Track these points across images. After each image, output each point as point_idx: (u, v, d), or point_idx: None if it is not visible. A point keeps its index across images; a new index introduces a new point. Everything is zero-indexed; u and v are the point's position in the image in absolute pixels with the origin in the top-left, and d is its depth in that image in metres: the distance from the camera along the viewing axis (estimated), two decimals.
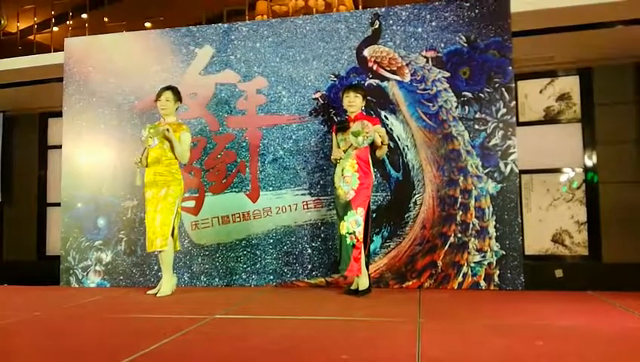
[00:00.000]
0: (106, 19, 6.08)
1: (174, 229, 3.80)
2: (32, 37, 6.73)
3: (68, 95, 4.78)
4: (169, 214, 3.72)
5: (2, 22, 6.45)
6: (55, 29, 6.64)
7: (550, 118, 6.05)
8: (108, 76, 4.71)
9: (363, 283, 3.56)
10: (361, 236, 3.50)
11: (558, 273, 5.71)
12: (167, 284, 3.77)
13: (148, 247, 3.81)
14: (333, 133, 3.79)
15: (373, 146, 3.62)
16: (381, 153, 3.72)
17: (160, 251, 3.74)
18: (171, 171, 3.79)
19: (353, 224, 3.48)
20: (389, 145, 3.83)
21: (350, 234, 3.48)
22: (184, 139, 3.83)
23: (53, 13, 6.41)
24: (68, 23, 6.44)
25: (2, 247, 7.77)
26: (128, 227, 4.50)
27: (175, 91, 3.91)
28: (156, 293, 3.79)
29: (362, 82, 4.14)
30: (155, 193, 3.75)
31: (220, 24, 4.69)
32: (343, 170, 3.60)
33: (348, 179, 3.55)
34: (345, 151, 3.59)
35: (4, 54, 5.90)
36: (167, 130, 3.73)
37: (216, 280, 4.32)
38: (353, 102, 3.67)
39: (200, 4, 5.83)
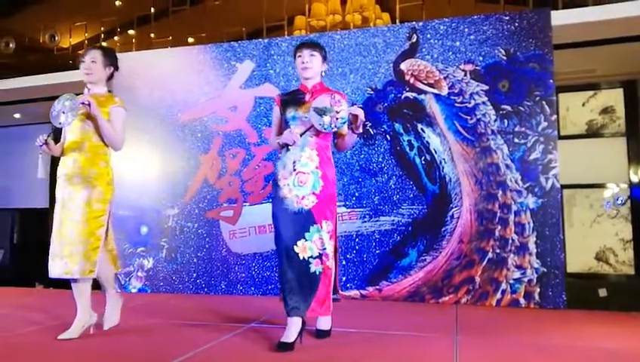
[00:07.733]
0: (152, 35, 6.32)
1: (111, 250, 2.79)
2: (82, 52, 7.05)
3: None
4: (95, 226, 2.60)
5: (56, 38, 6.81)
6: (104, 44, 6.96)
7: (593, 132, 5.89)
8: (153, 90, 4.89)
9: (326, 321, 2.70)
10: (331, 261, 2.53)
11: (602, 292, 5.51)
12: (80, 322, 2.65)
13: (54, 271, 2.58)
14: (277, 107, 2.72)
15: (337, 131, 2.61)
16: (349, 142, 2.68)
17: (78, 279, 2.58)
18: (97, 163, 2.67)
19: (319, 244, 2.50)
20: (425, 157, 3.79)
21: (315, 258, 2.49)
22: (116, 117, 2.71)
23: (102, 29, 6.73)
24: (116, 38, 6.74)
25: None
26: (169, 234, 4.64)
27: (107, 52, 2.82)
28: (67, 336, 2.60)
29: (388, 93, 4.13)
30: (73, 194, 2.60)
31: (260, 39, 4.82)
32: (294, 163, 2.56)
33: (305, 178, 2.52)
34: (300, 135, 2.54)
35: (58, 68, 6.22)
36: (89, 103, 2.57)
37: (252, 288, 4.39)
38: (308, 64, 2.60)
39: (240, 21, 6.00)
